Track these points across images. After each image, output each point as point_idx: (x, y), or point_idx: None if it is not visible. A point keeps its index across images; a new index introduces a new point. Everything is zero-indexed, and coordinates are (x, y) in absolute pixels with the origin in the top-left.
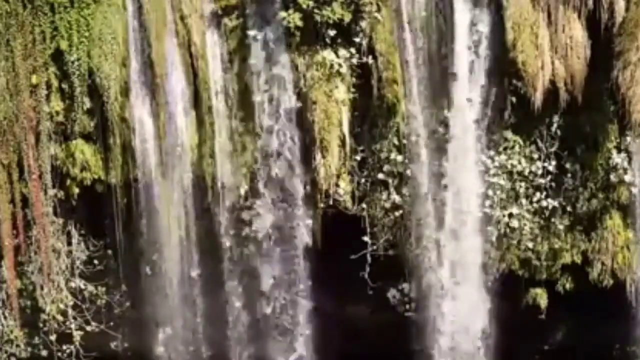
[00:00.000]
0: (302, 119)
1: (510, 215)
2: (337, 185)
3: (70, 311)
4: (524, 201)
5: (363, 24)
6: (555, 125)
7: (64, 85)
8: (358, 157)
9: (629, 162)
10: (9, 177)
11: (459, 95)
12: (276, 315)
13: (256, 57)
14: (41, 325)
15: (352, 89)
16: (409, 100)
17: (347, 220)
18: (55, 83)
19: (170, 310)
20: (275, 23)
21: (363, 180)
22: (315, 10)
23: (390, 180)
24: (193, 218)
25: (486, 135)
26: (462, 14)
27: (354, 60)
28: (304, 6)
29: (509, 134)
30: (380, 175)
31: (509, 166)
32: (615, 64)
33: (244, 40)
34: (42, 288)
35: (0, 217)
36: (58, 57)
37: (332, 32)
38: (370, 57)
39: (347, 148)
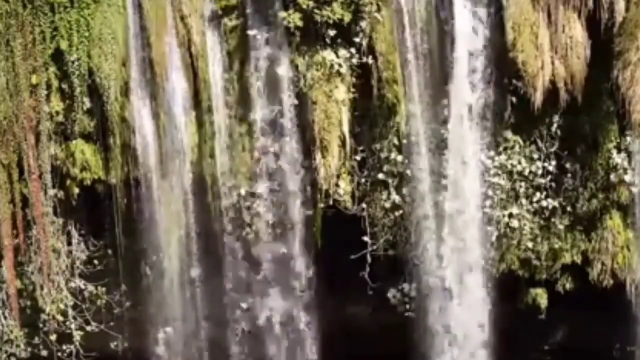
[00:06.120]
0: (302, 119)
1: (510, 215)
2: (337, 185)
3: (70, 311)
4: (524, 201)
5: (363, 24)
6: (555, 125)
7: (64, 85)
8: (358, 157)
9: (629, 162)
10: (9, 177)
11: (459, 95)
12: (276, 315)
13: (256, 57)
14: (41, 325)
15: (352, 89)
16: (409, 100)
17: (347, 220)
18: (55, 83)
19: (170, 310)
20: (275, 23)
21: (363, 180)
22: (315, 10)
23: (390, 180)
24: (193, 218)
25: (486, 135)
26: (462, 14)
27: (354, 60)
28: (304, 6)
29: (509, 134)
30: (380, 175)
31: (509, 166)
32: (615, 64)
33: (244, 40)
34: (42, 288)
35: (0, 217)
36: (58, 57)
37: (332, 32)
38: (370, 57)
39: (347, 148)
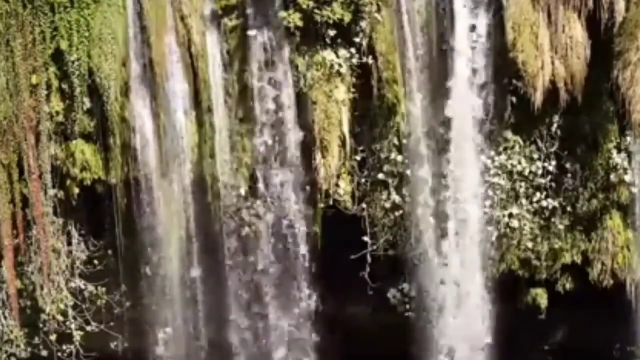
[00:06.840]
0: (302, 119)
1: (510, 215)
2: (337, 185)
3: (70, 311)
4: (524, 201)
5: (363, 24)
6: (555, 125)
7: (64, 85)
8: (358, 157)
9: (629, 162)
10: (9, 177)
11: (458, 95)
12: (276, 315)
13: (256, 57)
14: (41, 325)
15: (352, 89)
16: (409, 100)
17: (347, 220)
18: (55, 83)
19: (170, 310)
20: (275, 23)
21: (363, 180)
22: (315, 10)
23: (390, 180)
24: (193, 218)
25: (486, 135)
26: (462, 14)
27: (354, 60)
28: (304, 6)
29: (509, 134)
30: (380, 175)
31: (509, 166)
32: (615, 64)
33: (244, 40)
34: (42, 288)
35: (0, 217)
36: (58, 57)
37: (332, 32)
38: (370, 57)
39: (347, 148)
